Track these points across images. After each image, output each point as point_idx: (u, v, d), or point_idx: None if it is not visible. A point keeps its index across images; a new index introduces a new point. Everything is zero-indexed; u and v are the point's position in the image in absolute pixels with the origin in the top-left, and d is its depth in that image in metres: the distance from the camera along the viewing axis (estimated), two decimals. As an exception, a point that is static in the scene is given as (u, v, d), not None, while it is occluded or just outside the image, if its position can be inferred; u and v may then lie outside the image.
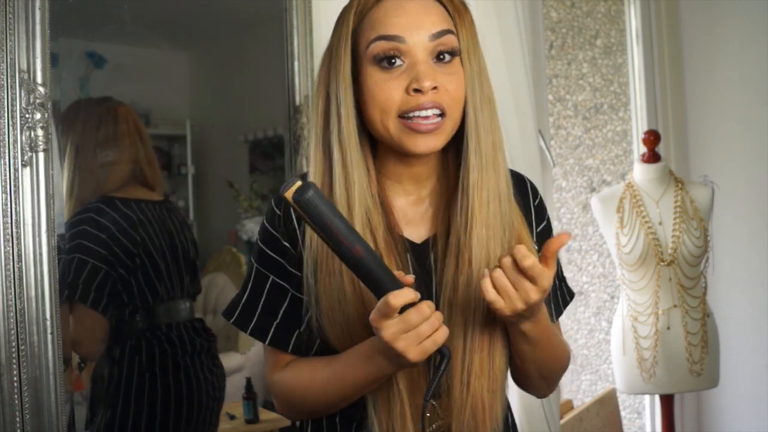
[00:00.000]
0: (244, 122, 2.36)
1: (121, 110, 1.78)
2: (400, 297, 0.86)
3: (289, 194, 0.86)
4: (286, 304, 1.04)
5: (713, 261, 2.47)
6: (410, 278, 0.90)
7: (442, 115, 0.97)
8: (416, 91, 0.95)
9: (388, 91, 0.96)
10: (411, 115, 0.96)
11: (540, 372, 1.06)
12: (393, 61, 0.96)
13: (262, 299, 1.05)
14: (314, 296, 0.99)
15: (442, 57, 0.98)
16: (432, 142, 0.97)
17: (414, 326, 0.87)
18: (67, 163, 1.67)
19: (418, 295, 0.88)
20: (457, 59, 0.99)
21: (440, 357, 0.91)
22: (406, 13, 0.97)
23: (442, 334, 0.89)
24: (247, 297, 1.06)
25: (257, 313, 1.05)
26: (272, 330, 1.04)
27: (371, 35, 0.98)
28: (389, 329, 0.87)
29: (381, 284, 0.88)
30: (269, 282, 1.05)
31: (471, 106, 0.99)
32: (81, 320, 1.61)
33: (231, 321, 1.07)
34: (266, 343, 1.05)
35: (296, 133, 1.74)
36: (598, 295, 3.08)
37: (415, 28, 0.96)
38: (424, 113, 0.95)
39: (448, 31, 0.98)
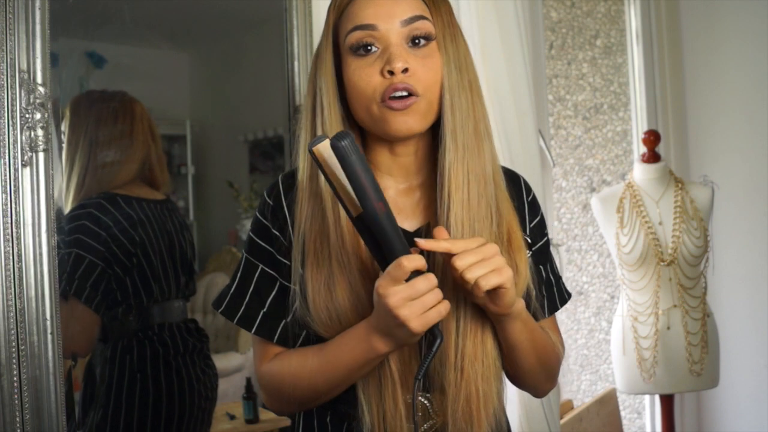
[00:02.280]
0: (244, 122, 2.36)
1: (137, 108, 1.79)
2: (413, 260, 0.87)
3: (320, 150, 0.87)
4: (274, 294, 1.05)
5: (713, 261, 2.47)
6: (415, 248, 0.91)
7: (416, 96, 0.98)
8: (390, 73, 0.97)
9: (366, 77, 0.99)
10: (388, 98, 0.98)
11: (537, 360, 1.05)
12: (368, 48, 1.00)
13: (251, 289, 1.06)
14: (301, 283, 1.00)
15: (417, 41, 1.00)
16: (409, 121, 0.99)
17: (421, 294, 0.88)
18: (79, 155, 1.67)
19: (426, 264, 0.89)
20: (433, 44, 1.01)
21: (432, 338, 0.91)
22: (379, 4, 1.00)
23: (446, 306, 0.90)
24: (236, 287, 1.07)
25: (245, 303, 1.06)
26: (259, 319, 1.05)
27: (348, 27, 1.01)
28: (396, 295, 0.87)
29: (393, 247, 0.88)
30: (258, 271, 1.06)
31: (447, 90, 1.01)
32: (74, 315, 1.60)
33: (219, 311, 1.07)
34: (252, 332, 1.05)
35: (296, 133, 1.74)
36: (598, 295, 3.08)
37: (388, 15, 1.00)
38: (398, 94, 0.98)
39: (420, 17, 1.00)
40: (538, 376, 1.09)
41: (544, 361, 1.07)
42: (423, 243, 0.91)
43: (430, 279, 0.88)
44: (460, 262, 0.90)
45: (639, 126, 3.09)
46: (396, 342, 0.93)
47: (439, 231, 0.94)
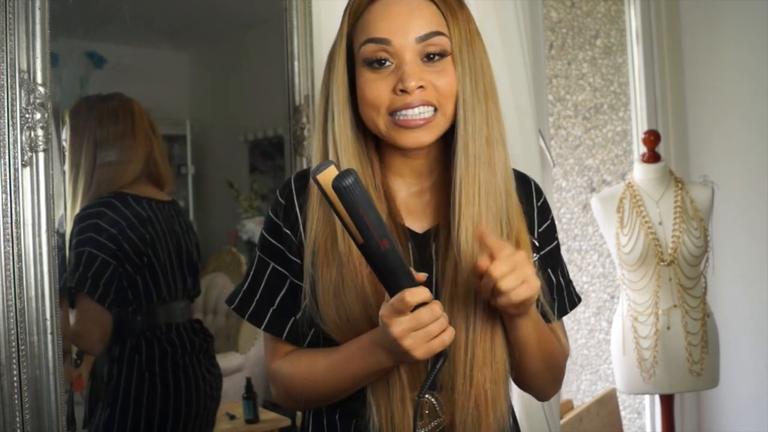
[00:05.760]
0: (244, 122, 2.36)
1: (136, 106, 1.81)
2: (416, 295, 0.87)
3: (325, 178, 0.86)
4: (284, 291, 1.06)
5: (713, 261, 2.47)
6: (422, 276, 0.91)
7: (435, 110, 0.99)
8: (402, 91, 0.97)
9: (376, 91, 0.99)
10: (399, 114, 0.98)
11: (544, 361, 1.06)
12: (382, 62, 0.99)
13: (262, 286, 1.07)
14: (312, 282, 1.01)
15: (431, 57, 1.00)
16: (422, 137, 1.00)
17: (424, 325, 0.88)
18: (84, 157, 1.68)
19: (432, 296, 0.89)
20: (447, 59, 1.01)
21: (437, 355, 0.92)
22: (393, 17, 0.99)
23: (450, 334, 0.90)
24: (248, 284, 1.09)
25: (256, 299, 1.07)
26: (268, 316, 1.06)
27: (362, 38, 1.01)
28: (399, 326, 0.88)
29: (398, 280, 0.88)
30: (269, 269, 1.07)
31: (461, 102, 1.01)
32: (86, 313, 1.61)
33: (232, 307, 1.09)
34: (262, 328, 1.07)
35: (296, 133, 1.74)
36: (598, 295, 3.08)
37: (402, 30, 0.99)
38: (411, 112, 0.98)
39: (436, 33, 1.00)
40: (544, 377, 1.09)
41: (551, 362, 1.08)
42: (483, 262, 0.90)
43: (434, 309, 0.89)
44: (496, 272, 0.89)
45: (639, 126, 3.09)
46: (400, 362, 0.95)
47: (480, 227, 0.94)
